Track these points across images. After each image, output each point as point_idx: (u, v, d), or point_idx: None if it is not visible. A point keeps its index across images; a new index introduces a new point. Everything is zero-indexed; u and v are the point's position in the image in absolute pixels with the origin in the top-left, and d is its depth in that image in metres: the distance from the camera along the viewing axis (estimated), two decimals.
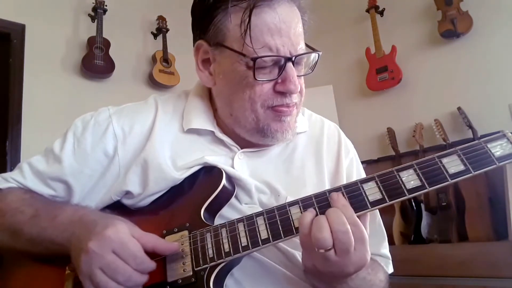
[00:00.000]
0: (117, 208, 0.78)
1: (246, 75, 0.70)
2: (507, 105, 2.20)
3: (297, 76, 0.72)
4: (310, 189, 0.67)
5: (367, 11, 3.04)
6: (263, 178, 0.78)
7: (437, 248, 2.21)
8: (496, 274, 1.89)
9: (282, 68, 0.69)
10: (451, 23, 2.59)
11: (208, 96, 0.85)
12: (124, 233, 0.62)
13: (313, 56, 0.75)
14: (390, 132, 2.78)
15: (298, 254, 0.74)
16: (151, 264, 0.63)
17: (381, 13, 3.04)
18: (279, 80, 0.70)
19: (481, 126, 2.37)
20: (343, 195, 0.62)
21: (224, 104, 0.78)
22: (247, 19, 0.66)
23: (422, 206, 2.40)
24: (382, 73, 2.87)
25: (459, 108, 2.49)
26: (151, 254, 0.63)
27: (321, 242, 0.56)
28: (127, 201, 0.78)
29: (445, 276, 2.04)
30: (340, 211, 0.58)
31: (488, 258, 1.94)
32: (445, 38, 2.65)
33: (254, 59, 0.67)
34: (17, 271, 0.77)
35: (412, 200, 2.43)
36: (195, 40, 0.78)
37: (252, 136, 0.76)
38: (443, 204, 2.33)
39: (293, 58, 0.69)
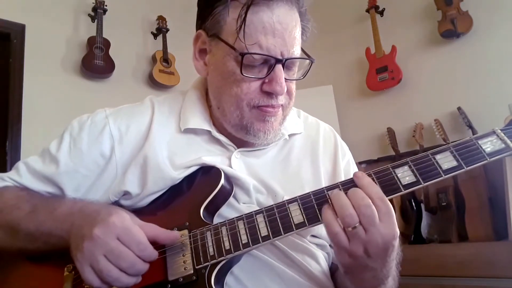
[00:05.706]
0: None
1: (234, 71, 0.71)
2: (507, 105, 2.20)
3: (287, 79, 0.72)
4: (306, 189, 0.67)
5: (367, 11, 3.05)
6: (260, 177, 0.79)
7: (437, 248, 2.20)
8: (496, 274, 1.88)
9: (271, 69, 0.70)
10: (451, 23, 2.59)
11: (205, 94, 0.85)
12: (128, 220, 0.63)
13: (307, 62, 0.75)
14: (390, 132, 2.77)
15: (296, 255, 0.74)
16: (153, 252, 0.63)
17: (381, 13, 3.04)
18: (266, 80, 0.71)
19: (481, 126, 2.37)
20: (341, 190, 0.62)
21: (213, 95, 0.80)
22: (244, 15, 0.67)
23: (422, 206, 2.39)
24: (382, 73, 2.87)
25: (459, 108, 2.49)
26: (153, 245, 0.64)
27: (348, 218, 0.57)
28: (125, 202, 0.78)
29: (445, 276, 2.03)
30: (360, 189, 0.60)
31: (488, 258, 1.93)
32: (445, 38, 2.65)
33: (242, 55, 0.68)
34: (14, 274, 0.76)
35: (412, 200, 2.42)
36: (196, 30, 0.80)
37: (237, 132, 0.77)
38: (443, 204, 2.33)
39: (284, 61, 0.70)
